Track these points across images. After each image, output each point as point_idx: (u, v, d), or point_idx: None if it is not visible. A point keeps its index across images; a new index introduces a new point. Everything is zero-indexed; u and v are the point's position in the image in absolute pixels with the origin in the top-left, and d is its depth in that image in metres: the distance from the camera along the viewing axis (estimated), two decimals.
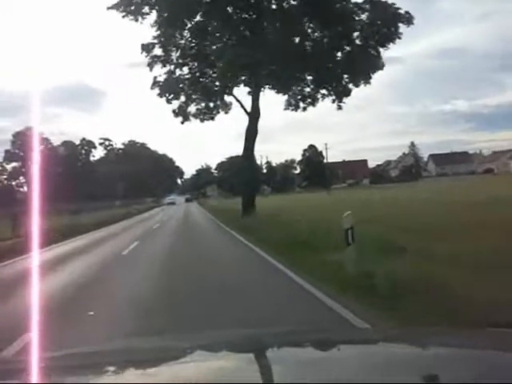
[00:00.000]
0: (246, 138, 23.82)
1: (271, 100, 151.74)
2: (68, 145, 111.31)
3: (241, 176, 22.91)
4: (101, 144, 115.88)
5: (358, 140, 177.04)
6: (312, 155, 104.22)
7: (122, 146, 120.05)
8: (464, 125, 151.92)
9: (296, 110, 24.15)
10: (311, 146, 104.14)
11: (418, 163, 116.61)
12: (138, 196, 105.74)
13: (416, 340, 2.24)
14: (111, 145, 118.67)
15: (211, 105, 25.00)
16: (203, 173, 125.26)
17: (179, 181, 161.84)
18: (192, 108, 24.62)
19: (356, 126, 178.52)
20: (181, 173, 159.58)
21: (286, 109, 24.18)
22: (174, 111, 24.82)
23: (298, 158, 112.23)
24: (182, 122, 25.31)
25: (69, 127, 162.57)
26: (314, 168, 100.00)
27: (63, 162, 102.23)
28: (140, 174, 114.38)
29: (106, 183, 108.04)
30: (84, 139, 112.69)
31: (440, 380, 1.46)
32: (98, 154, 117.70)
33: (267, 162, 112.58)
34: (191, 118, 25.07)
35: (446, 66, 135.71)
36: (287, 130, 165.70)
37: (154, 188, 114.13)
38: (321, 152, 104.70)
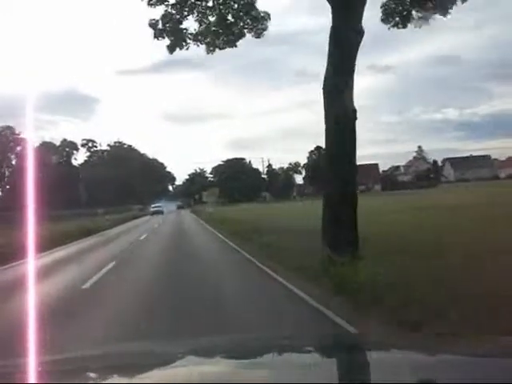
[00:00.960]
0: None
1: (264, 107, 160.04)
2: (48, 146, 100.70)
3: (333, 168, 10.53)
4: (84, 145, 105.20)
5: None
6: (319, 158, 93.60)
7: (107, 148, 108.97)
8: (454, 133, 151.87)
9: (394, 25, 12.95)
10: (318, 148, 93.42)
11: (437, 167, 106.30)
12: (126, 203, 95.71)
13: (413, 346, 2.24)
14: (95, 146, 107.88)
15: (229, 18, 12.97)
16: (197, 177, 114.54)
17: (170, 187, 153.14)
18: (193, 24, 12.99)
19: None
20: (172, 178, 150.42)
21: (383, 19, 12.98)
22: (152, 24, 12.99)
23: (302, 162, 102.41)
24: (171, 49, 13.19)
25: (58, 134, 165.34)
26: (321, 172, 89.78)
27: (42, 164, 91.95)
28: (127, 179, 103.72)
29: (89, 188, 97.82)
30: (65, 140, 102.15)
31: None
32: (82, 157, 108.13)
33: (268, 166, 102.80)
34: (190, 41, 13.04)
35: (437, 75, 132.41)
36: (282, 137, 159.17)
37: (142, 194, 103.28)
38: None
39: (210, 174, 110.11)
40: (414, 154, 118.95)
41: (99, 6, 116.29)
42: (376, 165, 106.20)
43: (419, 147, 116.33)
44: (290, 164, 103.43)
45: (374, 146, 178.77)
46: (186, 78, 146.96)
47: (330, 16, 10.64)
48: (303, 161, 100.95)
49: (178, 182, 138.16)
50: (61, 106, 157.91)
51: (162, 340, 4.61)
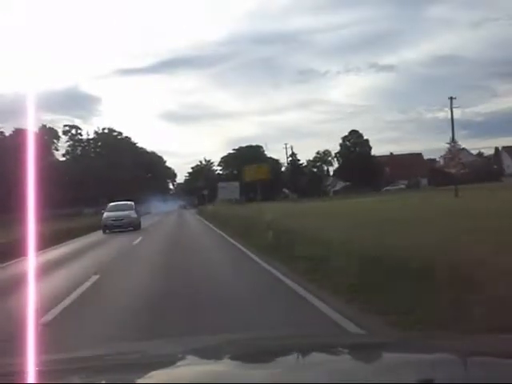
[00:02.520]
0: None
1: (265, 106, 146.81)
2: (22, 134, 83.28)
3: None
4: (66, 133, 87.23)
5: None
6: (355, 144, 75.69)
7: (94, 136, 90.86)
8: (458, 132, 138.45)
9: None
10: (353, 132, 75.42)
11: (500, 159, 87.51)
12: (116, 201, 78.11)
13: (416, 345, 2.25)
14: (80, 134, 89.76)
15: None
16: (202, 171, 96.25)
17: (171, 185, 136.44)
18: None
19: None
20: (173, 175, 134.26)
21: None
22: None
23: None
24: None
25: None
26: (358, 162, 71.39)
27: (17, 155, 74.29)
28: (120, 174, 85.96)
29: (74, 184, 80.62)
30: (44, 126, 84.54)
31: None
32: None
33: (292, 155, 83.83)
34: None
35: (439, 74, 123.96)
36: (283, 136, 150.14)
37: (139, 191, 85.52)
38: (367, 141, 76.22)
39: (219, 165, 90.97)
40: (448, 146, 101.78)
41: (100, 5, 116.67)
42: (420, 155, 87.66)
43: (451, 138, 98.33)
44: (319, 153, 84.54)
45: (382, 145, 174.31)
46: (187, 77, 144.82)
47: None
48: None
49: (180, 180, 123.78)
50: (62, 106, 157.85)
51: (163, 339, 4.58)
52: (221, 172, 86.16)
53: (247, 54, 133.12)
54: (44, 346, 4.96)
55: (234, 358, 2.15)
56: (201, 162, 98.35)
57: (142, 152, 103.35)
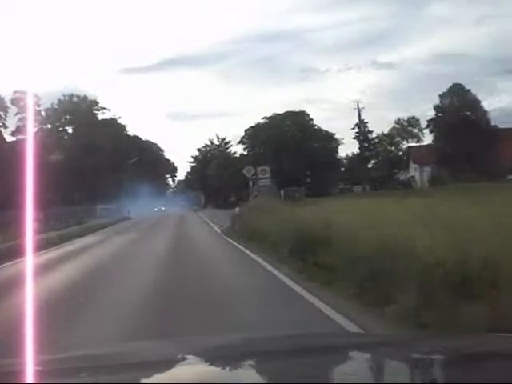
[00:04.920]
0: None
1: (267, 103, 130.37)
2: None
3: None
4: (15, 103, 59.61)
5: None
6: (460, 107, 47.47)
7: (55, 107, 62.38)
8: None
9: None
10: (457, 86, 47.47)
11: None
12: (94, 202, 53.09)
13: (416, 345, 2.23)
14: (37, 105, 61.34)
15: None
16: (213, 155, 67.80)
17: (171, 181, 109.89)
18: None
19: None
20: (173, 169, 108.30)
21: None
22: None
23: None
24: None
25: None
26: (467, 134, 43.41)
27: None
28: (93, 161, 58.62)
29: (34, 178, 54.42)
30: None
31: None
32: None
33: (361, 124, 53.75)
34: None
35: (440, 71, 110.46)
36: None
37: (118, 184, 58.29)
38: (477, 102, 48.05)
39: (242, 143, 59.77)
40: None
41: (102, 4, 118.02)
42: None
43: None
44: (399, 122, 56.00)
45: None
46: (189, 76, 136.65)
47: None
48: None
49: (181, 177, 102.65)
50: None
51: (163, 339, 4.39)
52: (247, 153, 57.67)
53: (249, 53, 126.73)
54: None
55: (233, 358, 2.11)
56: (211, 142, 70.38)
57: (135, 140, 76.65)
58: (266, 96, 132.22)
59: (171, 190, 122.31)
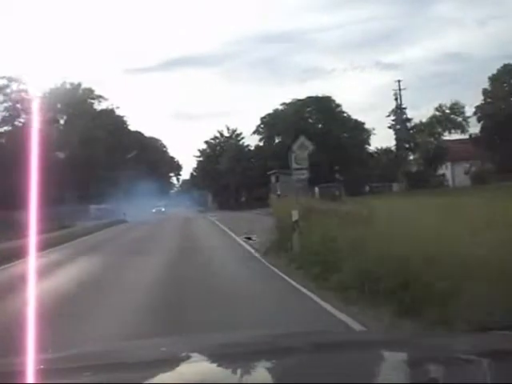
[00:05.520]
0: None
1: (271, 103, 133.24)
2: None
3: None
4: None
5: None
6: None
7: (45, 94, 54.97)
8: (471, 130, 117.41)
9: None
10: (509, 67, 39.56)
11: None
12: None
13: (416, 345, 2.20)
14: (23, 91, 53.98)
15: None
16: (223, 145, 59.85)
17: (175, 180, 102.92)
18: None
19: None
20: (177, 167, 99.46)
21: None
22: None
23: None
24: None
25: None
26: None
27: None
28: (94, 159, 51.11)
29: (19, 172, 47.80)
30: None
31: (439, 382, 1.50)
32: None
33: (407, 119, 46.64)
34: None
35: (445, 72, 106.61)
36: None
37: (113, 180, 50.93)
38: None
39: (257, 132, 51.52)
40: None
41: (107, 4, 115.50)
42: None
43: None
44: (440, 108, 46.27)
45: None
46: (193, 76, 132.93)
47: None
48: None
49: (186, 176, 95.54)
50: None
51: (164, 338, 4.25)
52: (260, 144, 49.74)
53: (253, 53, 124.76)
54: None
55: (234, 357, 2.07)
56: (221, 133, 62.45)
57: (132, 132, 69.81)
58: (270, 95, 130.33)
59: (175, 189, 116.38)
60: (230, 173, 49.53)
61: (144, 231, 24.71)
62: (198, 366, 1.96)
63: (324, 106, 47.53)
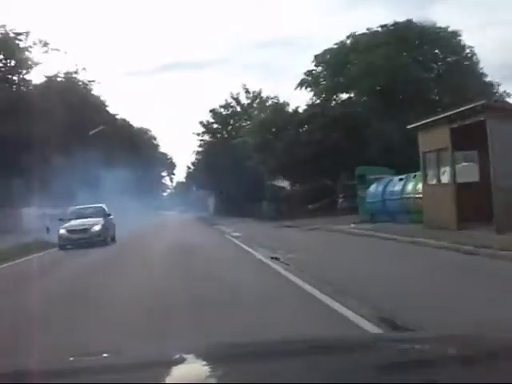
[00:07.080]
0: None
1: None
2: None
3: None
4: None
5: None
6: None
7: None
8: None
9: None
10: None
11: None
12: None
13: (414, 342, 2.25)
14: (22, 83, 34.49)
15: None
16: (239, 116, 39.68)
17: (168, 180, 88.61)
18: None
19: None
20: (171, 165, 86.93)
21: None
22: None
23: None
24: None
25: None
26: None
27: None
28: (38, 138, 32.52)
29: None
30: None
31: None
32: None
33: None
34: None
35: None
36: None
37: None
38: None
39: (305, 85, 30.03)
40: None
41: (106, 8, 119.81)
42: None
43: None
44: None
45: None
46: (190, 79, 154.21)
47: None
48: None
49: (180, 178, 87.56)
50: None
51: (165, 342, 4.59)
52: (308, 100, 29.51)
53: (247, 57, 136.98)
54: None
55: (234, 360, 2.10)
56: (236, 98, 41.13)
57: (123, 124, 53.17)
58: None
59: (168, 191, 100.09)
60: (261, 153, 30.19)
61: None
62: (197, 370, 1.94)
63: (422, 31, 28.44)
